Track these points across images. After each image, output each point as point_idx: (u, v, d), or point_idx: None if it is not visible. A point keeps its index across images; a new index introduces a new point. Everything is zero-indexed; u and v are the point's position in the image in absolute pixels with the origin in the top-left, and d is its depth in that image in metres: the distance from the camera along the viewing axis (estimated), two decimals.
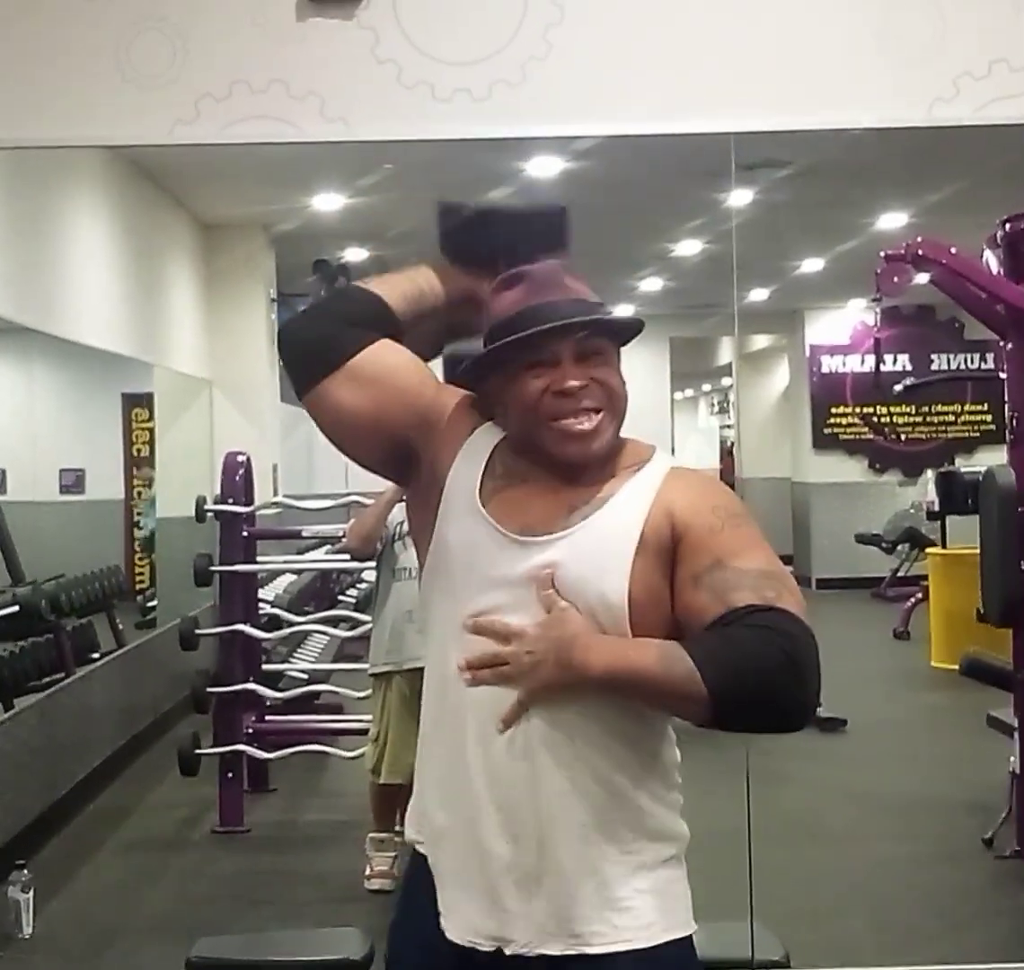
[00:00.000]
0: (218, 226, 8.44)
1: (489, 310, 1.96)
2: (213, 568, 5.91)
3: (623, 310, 10.60)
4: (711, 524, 1.84)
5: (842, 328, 12.51)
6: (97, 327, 6.73)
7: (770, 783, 4.95)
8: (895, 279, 5.26)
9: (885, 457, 12.44)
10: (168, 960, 3.50)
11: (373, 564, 5.01)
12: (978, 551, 5.24)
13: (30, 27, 3.56)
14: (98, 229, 6.78)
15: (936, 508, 9.43)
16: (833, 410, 12.61)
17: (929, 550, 9.77)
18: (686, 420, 18.66)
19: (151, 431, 8.86)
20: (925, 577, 9.56)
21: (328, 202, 7.08)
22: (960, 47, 3.57)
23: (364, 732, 5.15)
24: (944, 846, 5.37)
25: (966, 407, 12.10)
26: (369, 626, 5.15)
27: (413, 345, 2.02)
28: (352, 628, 6.17)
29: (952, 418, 12.23)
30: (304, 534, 6.67)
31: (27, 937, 4.53)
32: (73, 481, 9.15)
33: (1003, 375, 5.23)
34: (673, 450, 13.96)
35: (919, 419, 12.33)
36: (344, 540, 5.15)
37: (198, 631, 5.95)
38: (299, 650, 7.22)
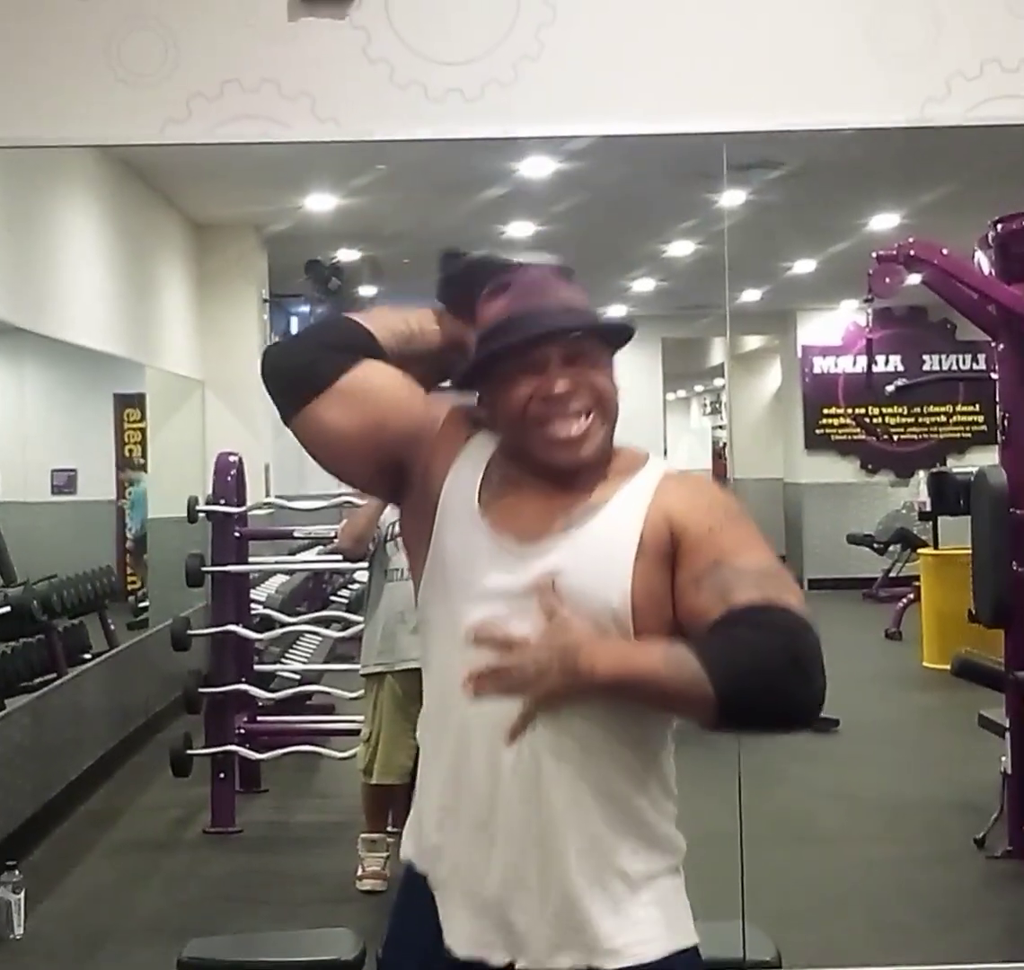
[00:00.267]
0: (210, 226, 8.43)
1: (478, 320, 1.95)
2: (205, 568, 5.90)
3: (616, 311, 10.64)
4: (709, 524, 1.84)
5: (834, 329, 12.53)
6: (89, 327, 6.72)
7: (762, 783, 4.94)
8: (887, 280, 5.27)
9: (877, 458, 12.46)
10: (160, 961, 3.49)
11: (365, 565, 5.01)
12: (970, 552, 5.25)
13: (21, 26, 3.55)
14: (90, 229, 6.77)
15: (928, 509, 9.44)
16: (825, 411, 12.63)
17: (921, 551, 9.78)
18: (678, 421, 18.69)
19: (143, 431, 8.85)
20: (917, 578, 9.57)
21: (321, 202, 7.08)
22: (952, 47, 3.58)
23: (356, 733, 5.14)
24: (936, 846, 5.37)
25: (958, 408, 12.13)
26: (361, 627, 5.14)
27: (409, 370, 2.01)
28: (344, 629, 6.16)
29: (944, 419, 12.25)
30: (296, 535, 6.66)
31: (18, 938, 4.52)
32: (65, 482, 9.13)
33: (995, 376, 5.23)
34: (665, 451, 13.98)
35: (911, 420, 12.36)
36: (336, 541, 5.14)
37: (190, 632, 5.94)
38: (291, 651, 7.21)
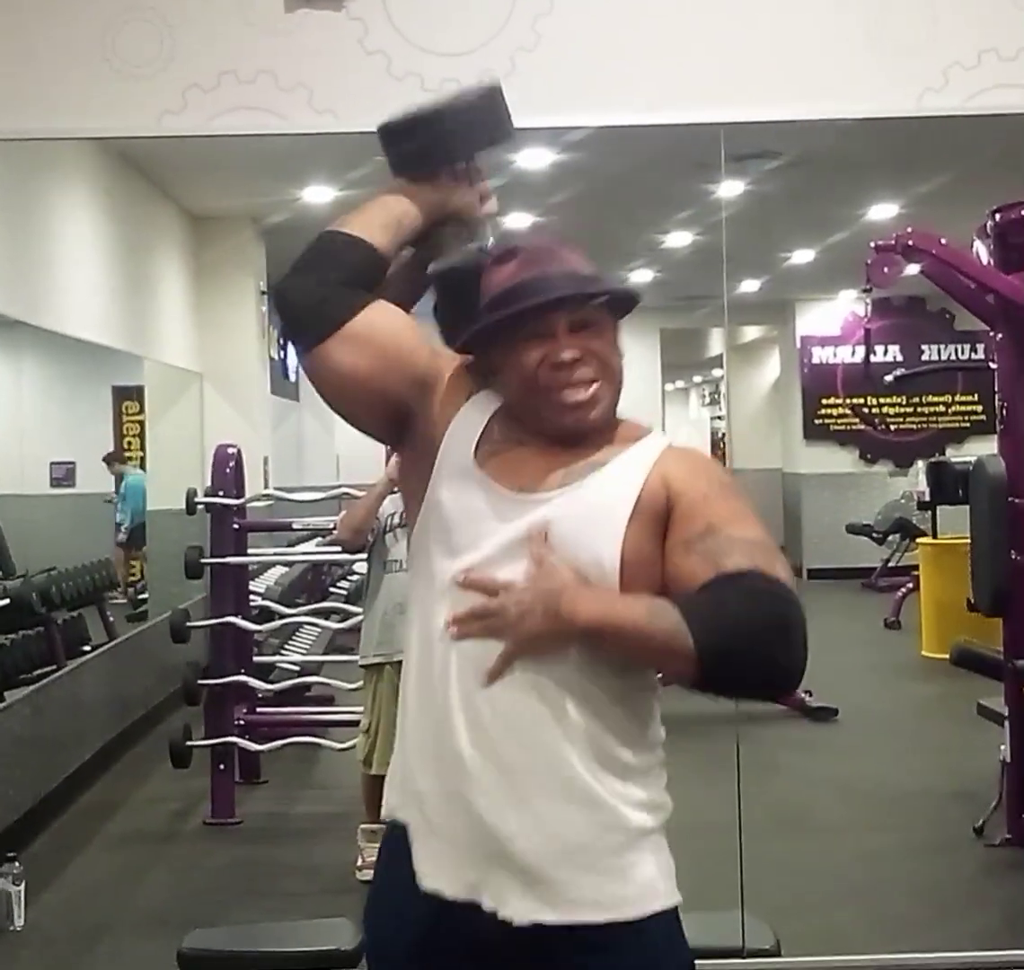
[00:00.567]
0: (208, 218, 8.42)
1: (485, 285, 1.96)
2: (204, 560, 5.90)
3: None
4: (705, 493, 1.86)
5: (833, 319, 12.52)
6: (86, 320, 6.72)
7: (761, 773, 4.95)
8: (885, 270, 5.26)
9: (876, 448, 12.46)
10: (160, 952, 3.50)
11: (364, 556, 5.01)
12: (968, 541, 5.25)
13: (16, 18, 3.55)
14: (87, 221, 6.76)
15: (927, 498, 9.44)
16: (824, 401, 12.62)
17: (920, 540, 9.78)
18: (677, 411, 18.68)
19: (141, 424, 8.85)
20: (916, 567, 9.57)
21: (318, 194, 7.06)
22: (950, 37, 3.58)
23: (355, 724, 5.15)
24: (935, 835, 5.37)
25: (956, 397, 12.12)
26: (360, 618, 5.14)
27: (396, 286, 2.02)
28: (343, 620, 6.17)
29: (942, 408, 12.25)
30: (295, 526, 6.66)
31: (18, 929, 4.52)
32: (63, 474, 9.13)
33: (993, 365, 5.23)
34: None
35: (910, 410, 12.35)
36: (335, 532, 5.14)
37: (189, 623, 5.94)
38: (290, 642, 7.22)
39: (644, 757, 1.89)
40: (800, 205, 7.89)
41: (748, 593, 1.74)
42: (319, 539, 7.07)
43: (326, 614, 6.59)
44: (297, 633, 7.29)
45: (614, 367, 1.93)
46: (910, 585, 9.58)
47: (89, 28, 3.54)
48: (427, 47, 3.53)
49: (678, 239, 8.74)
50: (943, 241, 5.11)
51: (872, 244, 5.30)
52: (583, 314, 1.90)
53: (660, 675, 1.92)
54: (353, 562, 6.84)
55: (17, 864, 4.58)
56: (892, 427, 12.40)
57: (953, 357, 12.14)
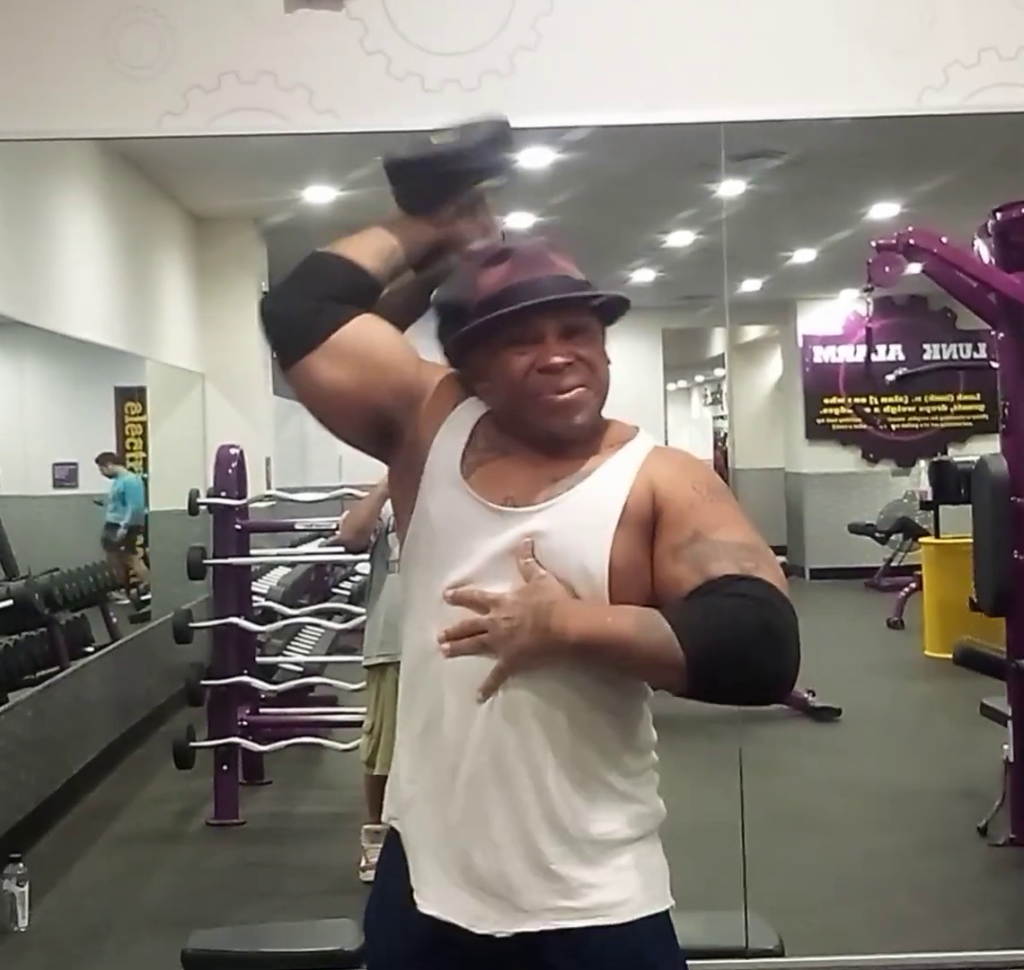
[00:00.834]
0: (209, 219, 8.42)
1: (476, 289, 1.95)
2: (206, 561, 5.90)
3: None
4: (691, 498, 1.85)
5: (835, 318, 12.49)
6: (88, 320, 6.72)
7: (764, 773, 4.95)
8: (887, 269, 5.26)
9: (878, 447, 12.44)
10: (164, 952, 3.51)
11: (367, 557, 5.01)
12: (971, 540, 5.25)
13: (18, 19, 3.55)
14: (89, 222, 6.76)
15: (929, 498, 9.43)
16: (826, 400, 12.60)
17: (922, 540, 9.77)
18: (679, 411, 18.67)
19: (144, 424, 8.85)
20: (918, 567, 9.57)
21: (320, 195, 7.06)
22: (950, 35, 3.58)
23: (358, 724, 5.15)
24: (938, 835, 5.37)
25: (959, 397, 12.10)
26: (363, 618, 5.14)
27: (393, 305, 2.01)
28: (346, 621, 6.17)
29: (945, 408, 12.23)
30: (297, 527, 6.66)
31: (22, 930, 4.53)
32: (66, 475, 9.14)
33: (995, 365, 5.23)
34: (667, 441, 13.97)
35: (912, 409, 12.33)
36: (338, 533, 5.14)
37: (192, 624, 5.94)
38: (293, 643, 7.22)
39: (635, 763, 1.90)
40: (801, 204, 7.88)
41: (736, 599, 1.73)
42: (322, 540, 7.07)
43: (329, 615, 6.59)
44: (300, 634, 7.29)
45: (601, 375, 1.93)
46: (913, 585, 9.57)
47: (90, 29, 3.54)
48: (427, 47, 3.54)
49: (679, 239, 8.74)
50: (944, 240, 5.10)
51: (873, 243, 5.30)
52: (573, 319, 1.90)
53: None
54: (356, 563, 6.84)
55: (21, 865, 4.58)
56: (894, 427, 12.39)
57: (955, 356, 12.12)
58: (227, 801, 5.75)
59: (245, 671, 5.93)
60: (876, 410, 12.42)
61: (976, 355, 11.51)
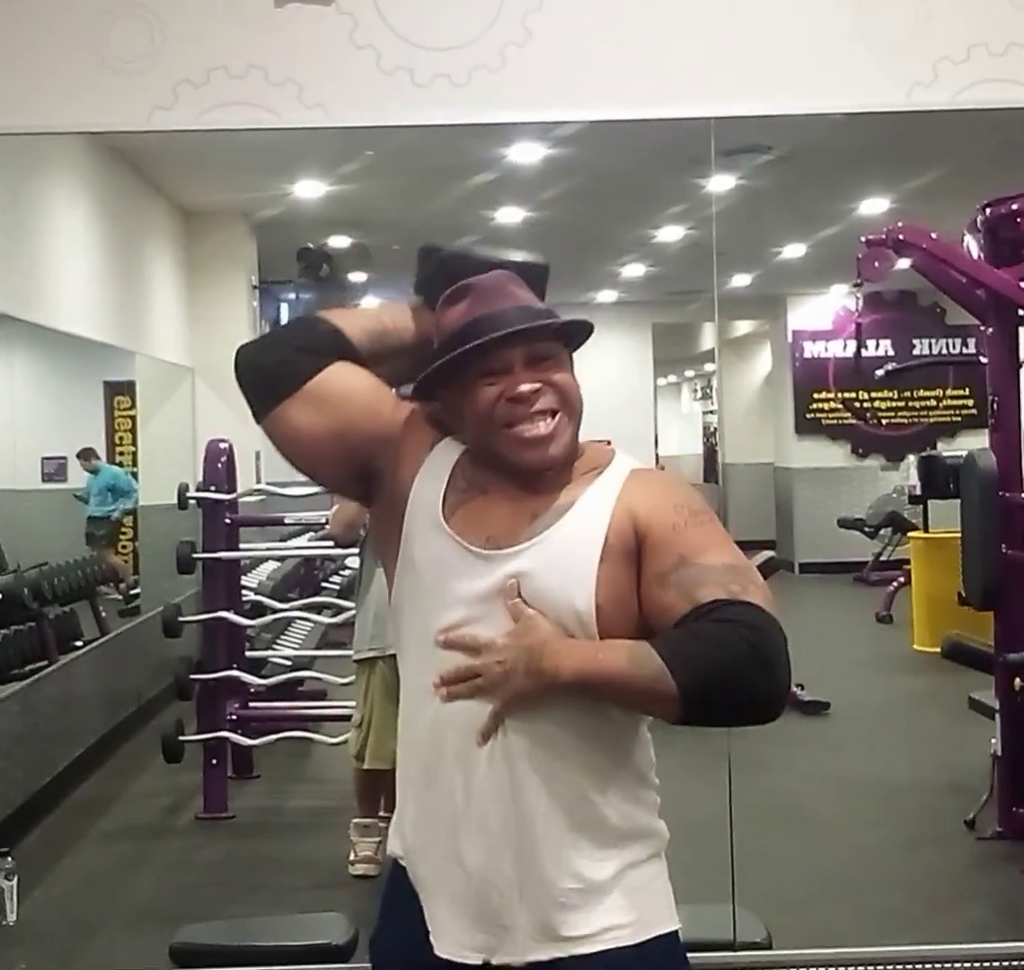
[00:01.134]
0: (199, 213, 8.40)
1: (438, 325, 1.96)
2: (196, 555, 5.90)
3: (605, 296, 10.61)
4: (673, 522, 1.85)
5: (824, 313, 12.51)
6: (78, 315, 6.71)
7: (751, 768, 4.95)
8: (876, 264, 5.26)
9: (867, 442, 12.46)
10: (152, 947, 3.51)
11: (356, 551, 5.01)
12: (959, 535, 5.26)
13: (6, 13, 3.54)
14: (78, 216, 6.75)
15: (918, 492, 9.43)
16: (815, 395, 12.62)
17: (911, 534, 9.79)
18: (669, 406, 18.67)
19: (133, 419, 8.84)
20: (907, 561, 9.58)
21: (310, 189, 7.06)
22: (939, 31, 3.58)
23: (348, 718, 5.15)
24: (926, 828, 5.39)
25: (948, 392, 12.12)
26: (352, 613, 5.14)
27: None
28: (336, 615, 6.17)
29: (934, 403, 12.25)
30: (287, 521, 6.66)
31: (10, 925, 4.50)
32: (55, 470, 9.13)
33: (984, 360, 5.24)
34: (656, 437, 13.98)
35: (901, 404, 12.35)
36: (327, 527, 5.14)
37: (181, 618, 5.94)
38: (283, 637, 7.22)
39: (636, 790, 1.92)
40: (791, 200, 7.89)
41: (724, 625, 1.74)
42: (311, 534, 7.06)
43: (318, 609, 6.58)
44: (289, 628, 7.29)
45: (574, 398, 1.92)
46: (901, 579, 9.59)
47: (79, 23, 3.53)
48: (417, 42, 3.53)
49: (669, 234, 8.73)
50: (933, 235, 5.11)
51: (863, 238, 5.30)
52: (539, 348, 1.90)
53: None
54: (345, 557, 6.85)
55: (9, 860, 4.56)
56: (883, 421, 12.41)
57: (944, 351, 12.15)
58: (216, 795, 5.75)
59: (234, 665, 5.93)
60: (865, 405, 12.44)
61: (965, 350, 11.53)
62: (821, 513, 11.94)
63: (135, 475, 8.89)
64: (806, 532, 12.19)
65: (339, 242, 8.26)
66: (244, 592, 6.42)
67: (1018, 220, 4.99)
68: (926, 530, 9.30)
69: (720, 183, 5.68)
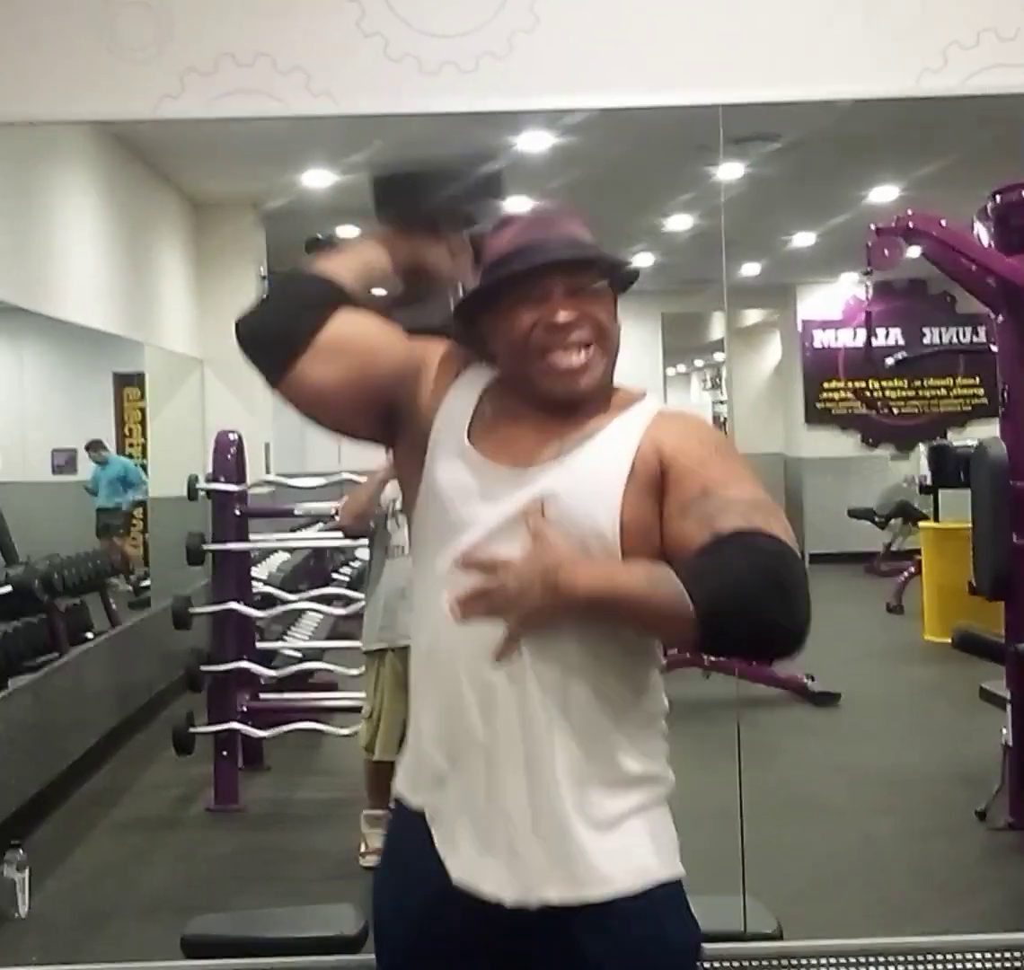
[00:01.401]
0: (208, 204, 8.40)
1: (485, 250, 1.97)
2: (206, 547, 5.90)
3: None
4: (699, 456, 1.86)
5: (834, 302, 12.50)
6: (87, 306, 6.71)
7: (762, 758, 4.95)
8: (886, 252, 5.24)
9: (877, 431, 12.45)
10: (163, 938, 3.51)
11: (366, 542, 5.00)
12: (970, 525, 5.24)
13: (14, 2, 3.53)
14: (87, 207, 6.75)
15: (928, 482, 9.43)
16: (825, 385, 12.61)
17: (922, 524, 9.77)
18: (679, 396, 18.67)
19: (143, 410, 8.85)
20: (918, 551, 9.57)
21: (318, 179, 7.05)
22: (948, 17, 3.55)
23: (358, 710, 5.15)
24: (937, 819, 5.38)
25: (958, 381, 12.11)
26: (362, 604, 5.14)
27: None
28: (346, 606, 6.17)
29: (944, 392, 12.23)
30: (297, 512, 6.66)
31: (22, 917, 4.53)
32: (65, 461, 9.16)
33: (995, 348, 5.22)
34: None
35: (911, 393, 12.33)
36: (337, 518, 5.14)
37: (191, 610, 5.94)
38: (293, 628, 7.22)
39: (647, 731, 1.92)
40: (800, 188, 7.86)
41: (745, 553, 1.73)
42: (321, 525, 7.07)
43: (328, 600, 6.59)
44: (299, 619, 7.30)
45: (610, 333, 1.93)
46: (912, 569, 9.58)
47: (86, 12, 3.52)
48: (424, 29, 3.51)
49: (679, 223, 8.71)
50: (943, 223, 5.09)
51: (873, 227, 5.28)
52: (580, 280, 1.90)
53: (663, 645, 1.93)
54: (355, 548, 6.85)
55: (21, 851, 4.58)
56: (894, 411, 12.39)
57: (954, 340, 12.12)
58: (227, 787, 5.76)
59: (244, 657, 5.93)
60: (876, 394, 12.42)
61: (975, 339, 11.50)
62: (831, 503, 11.93)
63: (144, 467, 8.91)
64: (816, 522, 12.17)
65: (348, 232, 8.25)
66: (254, 583, 6.43)
67: None
68: (936, 520, 9.29)
69: (729, 171, 5.67)
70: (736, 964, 3.46)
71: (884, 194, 7.91)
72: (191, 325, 8.39)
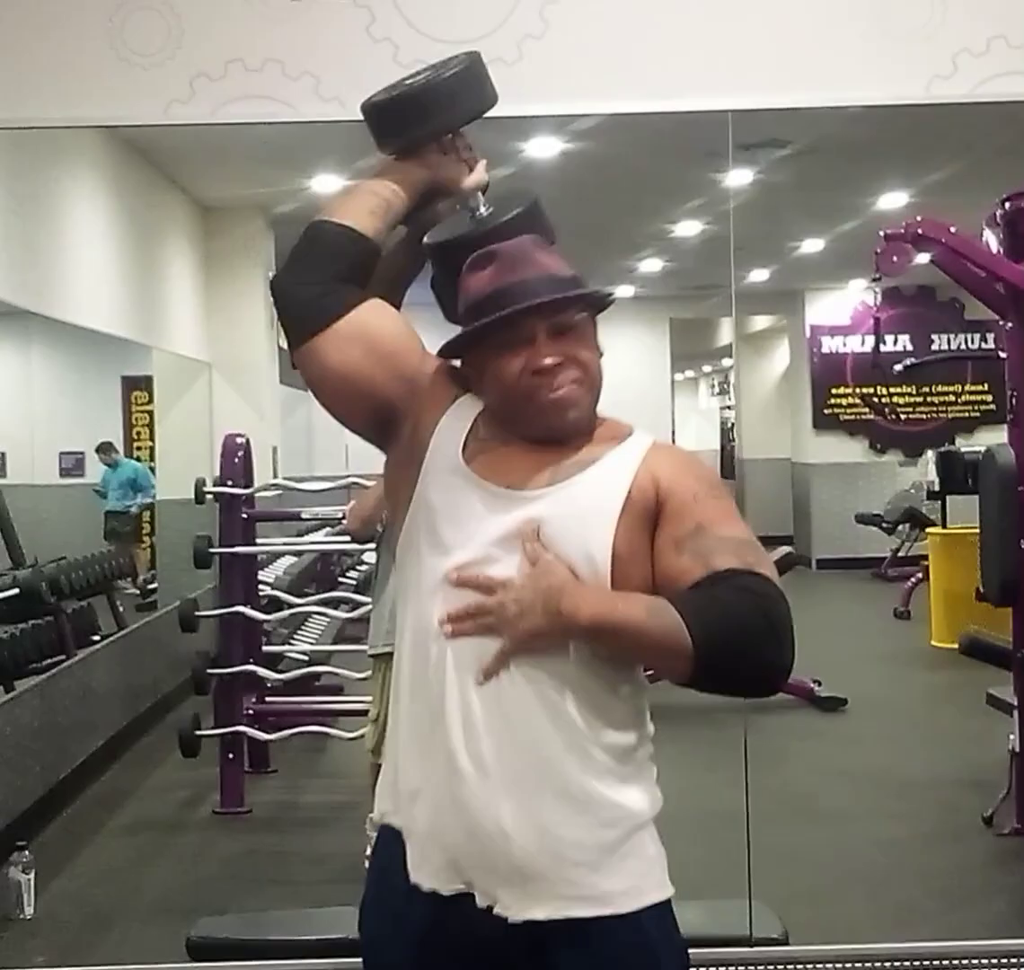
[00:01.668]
0: (217, 208, 8.42)
1: (462, 291, 1.96)
2: (213, 550, 5.90)
3: (623, 291, 10.58)
4: (694, 491, 1.88)
5: (842, 308, 12.49)
6: (95, 309, 6.72)
7: (769, 762, 4.95)
8: (895, 259, 5.24)
9: (885, 437, 12.44)
10: (169, 939, 3.53)
11: (373, 546, 5.00)
12: (978, 531, 5.24)
13: (24, 6, 3.54)
14: (96, 211, 6.76)
15: (936, 488, 9.43)
16: (833, 391, 12.60)
17: (929, 530, 9.77)
18: (686, 401, 18.64)
19: (151, 414, 8.87)
20: (925, 557, 9.56)
21: (327, 184, 7.06)
22: (958, 24, 3.56)
23: (364, 713, 5.15)
24: (944, 824, 5.37)
25: (966, 387, 12.10)
26: (369, 607, 5.14)
27: (394, 263, 2.04)
28: (352, 610, 6.18)
29: (952, 398, 12.22)
30: (304, 516, 6.67)
31: (28, 918, 4.54)
32: (73, 464, 9.16)
33: (1003, 355, 5.21)
34: (673, 432, 13.96)
35: (919, 399, 12.32)
36: (344, 522, 5.14)
37: (198, 613, 5.94)
38: (299, 632, 7.22)
39: (635, 752, 1.91)
40: (809, 194, 7.87)
41: (740, 592, 1.77)
42: (328, 529, 7.07)
43: (335, 604, 6.59)
44: (306, 623, 7.30)
45: (594, 371, 1.94)
46: (920, 575, 9.57)
47: (96, 17, 3.53)
48: (434, 35, 3.52)
49: (687, 228, 8.73)
50: (952, 229, 5.09)
51: (882, 233, 5.28)
52: (562, 318, 1.91)
53: (649, 671, 1.93)
54: (362, 552, 6.84)
55: (27, 852, 4.59)
56: (902, 417, 12.38)
57: (963, 346, 12.12)
58: (233, 790, 5.76)
59: (251, 660, 5.93)
60: (884, 400, 12.41)
61: (984, 345, 11.50)
62: (839, 509, 11.93)
63: (152, 470, 8.92)
64: (824, 528, 12.17)
65: None
66: (261, 587, 6.43)
67: None
68: (944, 526, 9.28)
69: (738, 177, 5.67)
70: (742, 968, 3.46)
71: (893, 200, 7.92)
72: (199, 329, 8.41)
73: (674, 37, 3.59)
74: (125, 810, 5.86)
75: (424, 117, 2.05)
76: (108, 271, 6.96)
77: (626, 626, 1.76)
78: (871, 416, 12.47)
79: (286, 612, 6.35)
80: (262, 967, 3.38)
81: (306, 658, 6.53)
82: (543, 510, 1.85)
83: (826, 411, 12.63)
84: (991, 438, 7.76)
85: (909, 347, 11.80)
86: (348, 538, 5.35)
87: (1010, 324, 5.10)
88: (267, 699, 6.13)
